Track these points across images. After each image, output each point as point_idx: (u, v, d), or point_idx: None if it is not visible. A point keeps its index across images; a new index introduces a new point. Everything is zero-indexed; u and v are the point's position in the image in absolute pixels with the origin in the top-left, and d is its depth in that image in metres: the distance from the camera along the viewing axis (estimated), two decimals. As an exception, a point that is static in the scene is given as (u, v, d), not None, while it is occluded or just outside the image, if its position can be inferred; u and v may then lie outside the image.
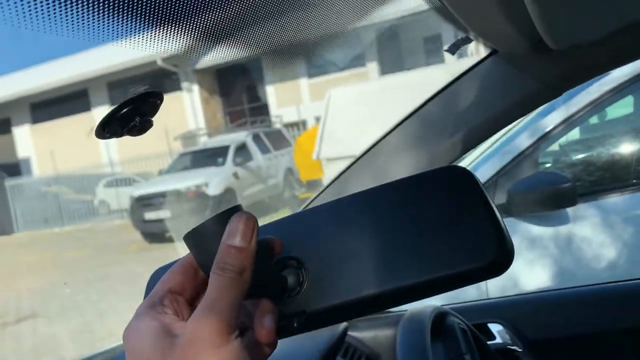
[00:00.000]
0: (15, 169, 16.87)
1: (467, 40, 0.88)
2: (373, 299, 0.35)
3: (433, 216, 0.36)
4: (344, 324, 1.07)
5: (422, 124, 1.06)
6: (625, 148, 2.80)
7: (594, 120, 3.15)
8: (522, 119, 2.91)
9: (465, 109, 1.04)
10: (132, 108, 0.36)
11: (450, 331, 0.86)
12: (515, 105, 1.01)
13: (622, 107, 3.06)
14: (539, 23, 0.65)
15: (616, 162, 2.73)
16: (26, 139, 18.47)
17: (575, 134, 3.17)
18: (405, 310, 0.92)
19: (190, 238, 0.38)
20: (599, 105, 2.51)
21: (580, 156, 2.94)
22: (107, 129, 0.36)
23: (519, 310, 1.32)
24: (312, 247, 0.39)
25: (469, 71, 1.02)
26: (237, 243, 0.37)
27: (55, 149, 17.03)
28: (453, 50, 0.90)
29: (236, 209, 0.38)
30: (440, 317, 0.87)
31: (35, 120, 18.46)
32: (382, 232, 0.37)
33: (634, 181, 2.50)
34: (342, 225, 0.39)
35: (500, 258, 0.36)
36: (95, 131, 0.36)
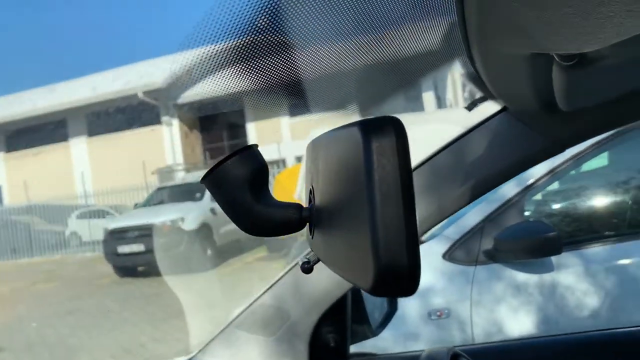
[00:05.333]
0: (-15, 196, 16.47)
1: (483, 99, 0.94)
2: None
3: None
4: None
5: (432, 173, 1.11)
6: (601, 200, 2.90)
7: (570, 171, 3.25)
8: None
9: (473, 161, 1.09)
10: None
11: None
12: (521, 159, 1.07)
13: (599, 159, 3.17)
14: (559, 87, 0.71)
15: (594, 213, 2.83)
16: (-2, 166, 18.13)
17: (554, 184, 3.26)
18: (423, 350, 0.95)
19: (210, 180, 0.41)
20: (581, 158, 2.62)
21: (560, 206, 3.03)
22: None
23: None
24: None
25: (480, 125, 1.08)
26: None
27: (28, 178, 16.73)
28: (471, 107, 0.96)
29: (251, 147, 0.41)
30: (455, 358, 0.90)
31: (9, 148, 18.17)
32: None
33: (614, 233, 2.60)
34: None
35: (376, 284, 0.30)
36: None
